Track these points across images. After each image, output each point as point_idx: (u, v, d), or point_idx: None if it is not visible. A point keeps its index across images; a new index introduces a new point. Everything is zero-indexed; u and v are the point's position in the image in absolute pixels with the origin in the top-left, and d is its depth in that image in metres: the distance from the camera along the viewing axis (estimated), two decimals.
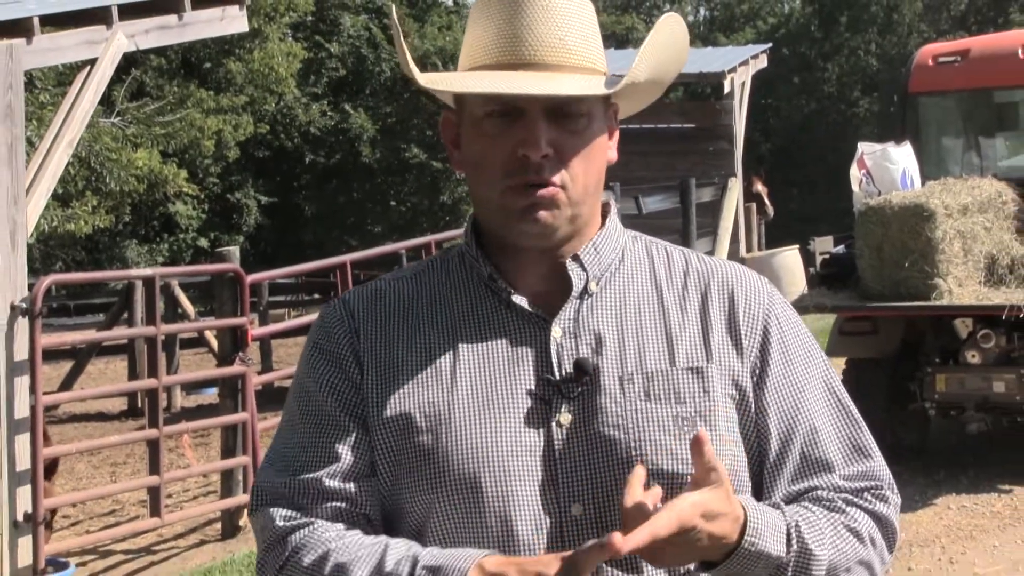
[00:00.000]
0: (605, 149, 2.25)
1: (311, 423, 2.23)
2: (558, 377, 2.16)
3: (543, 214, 2.15)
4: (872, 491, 2.26)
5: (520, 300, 2.21)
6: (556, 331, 2.19)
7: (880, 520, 2.25)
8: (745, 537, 2.04)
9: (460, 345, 2.21)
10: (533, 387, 2.16)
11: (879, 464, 2.30)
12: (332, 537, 2.12)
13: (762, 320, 2.28)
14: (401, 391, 2.19)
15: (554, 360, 2.17)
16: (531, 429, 2.14)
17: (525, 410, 2.15)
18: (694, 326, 2.25)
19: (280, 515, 2.17)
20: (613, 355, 2.19)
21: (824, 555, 2.14)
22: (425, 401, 2.17)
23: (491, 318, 2.23)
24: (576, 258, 2.23)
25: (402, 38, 2.22)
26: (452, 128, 2.29)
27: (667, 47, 2.26)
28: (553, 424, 2.14)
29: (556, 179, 2.14)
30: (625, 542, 1.87)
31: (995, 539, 9.52)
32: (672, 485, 2.10)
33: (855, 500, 2.23)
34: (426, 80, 2.18)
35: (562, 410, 2.15)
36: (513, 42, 2.17)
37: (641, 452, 2.12)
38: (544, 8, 2.17)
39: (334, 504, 2.16)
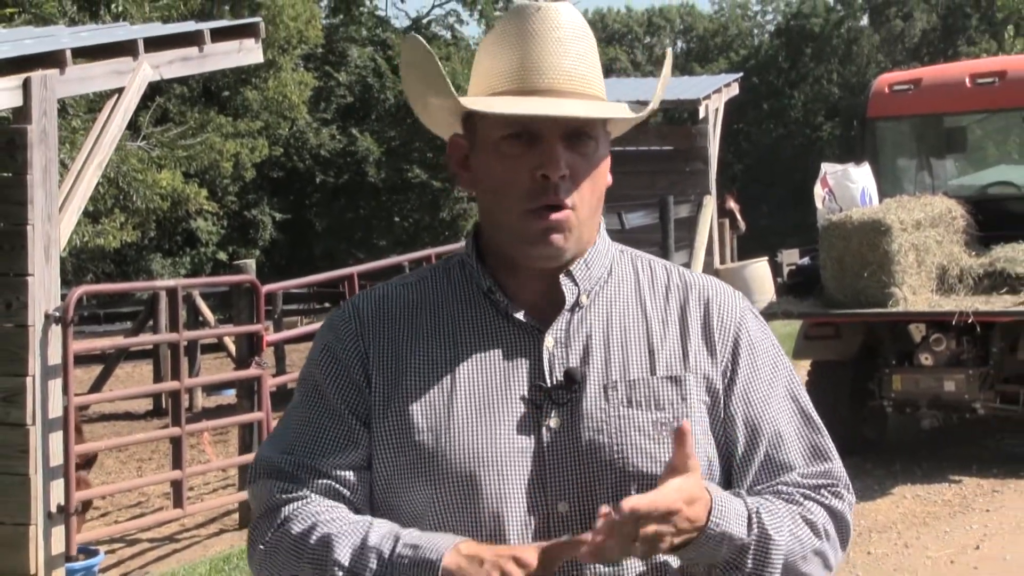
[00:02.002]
0: (607, 172, 2.24)
1: (315, 412, 2.23)
2: (549, 384, 2.16)
3: (556, 237, 2.15)
4: (829, 488, 2.27)
5: (516, 312, 2.20)
6: (548, 341, 2.19)
7: (835, 515, 2.25)
8: (711, 518, 2.04)
9: (460, 351, 2.20)
10: (526, 393, 2.16)
11: (837, 466, 2.30)
12: (321, 511, 2.12)
13: (734, 332, 2.28)
14: (404, 392, 2.18)
15: (546, 368, 2.17)
16: (523, 432, 2.14)
17: (518, 414, 2.15)
18: (674, 336, 2.25)
19: (277, 487, 2.18)
20: (599, 364, 2.18)
21: (782, 541, 2.14)
22: (426, 402, 2.16)
23: (489, 327, 2.22)
24: (568, 273, 2.22)
25: (439, 65, 2.18)
26: (461, 150, 2.27)
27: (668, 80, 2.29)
28: (543, 428, 2.14)
29: (569, 200, 2.14)
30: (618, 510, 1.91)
31: (946, 525, 9.53)
32: (651, 486, 2.09)
33: (812, 495, 2.24)
34: (468, 102, 2.16)
35: (552, 415, 2.14)
36: (530, 70, 2.16)
37: (623, 455, 2.13)
38: (557, 40, 2.17)
39: (328, 484, 2.16)
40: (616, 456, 2.13)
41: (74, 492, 7.93)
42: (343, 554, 2.07)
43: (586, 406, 2.15)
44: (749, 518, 2.11)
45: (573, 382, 2.15)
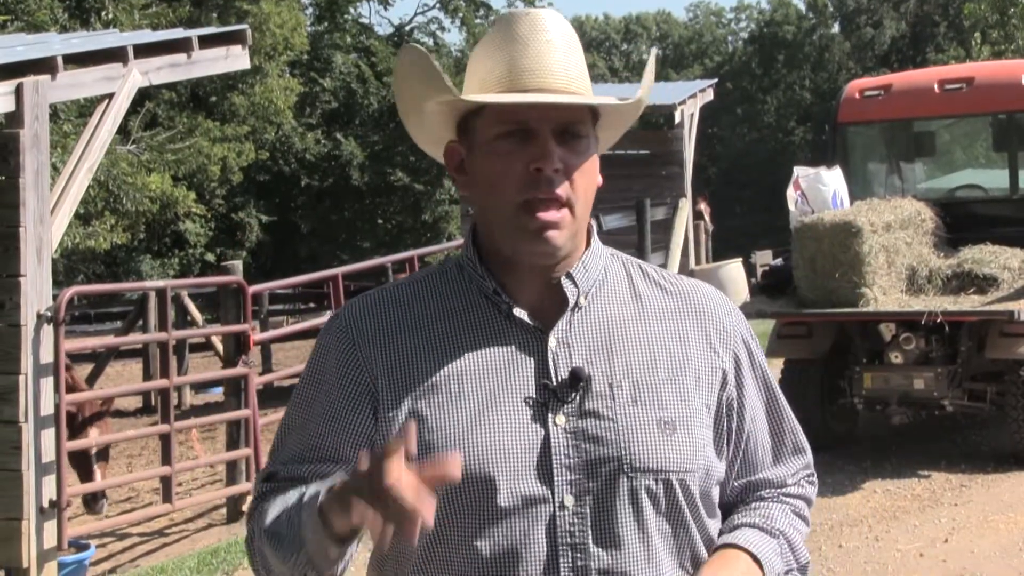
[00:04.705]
0: (597, 171, 2.26)
1: (303, 421, 2.25)
2: (555, 383, 2.16)
3: (552, 234, 2.15)
4: (807, 478, 2.44)
5: (520, 313, 2.20)
6: (552, 341, 2.19)
7: (809, 500, 2.44)
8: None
9: (465, 352, 2.19)
10: (532, 392, 2.16)
11: (810, 455, 2.46)
12: (288, 495, 2.14)
13: (734, 341, 2.32)
14: (411, 392, 2.17)
15: (551, 368, 2.17)
16: (530, 429, 2.14)
17: (526, 413, 2.14)
18: (674, 341, 2.26)
19: (261, 487, 2.22)
20: (603, 364, 2.19)
21: (799, 544, 2.36)
22: (435, 402, 2.15)
23: (493, 328, 2.21)
24: (569, 275, 2.22)
25: (437, 65, 2.20)
26: (456, 156, 2.27)
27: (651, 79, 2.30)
28: (550, 425, 2.14)
29: (562, 192, 2.15)
30: None
31: (915, 519, 9.56)
32: (656, 481, 2.15)
33: (795, 491, 2.41)
34: (468, 96, 2.18)
35: (558, 412, 2.15)
36: (520, 72, 2.18)
37: (630, 451, 2.14)
38: (546, 43, 2.19)
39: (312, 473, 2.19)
40: (623, 452, 2.14)
41: (65, 488, 7.94)
42: (271, 521, 2.11)
43: (593, 404, 2.16)
44: (780, 546, 2.31)
45: (579, 380, 2.16)
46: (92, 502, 8.93)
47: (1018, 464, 11.02)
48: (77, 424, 8.83)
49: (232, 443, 10.37)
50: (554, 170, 2.14)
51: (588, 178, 2.21)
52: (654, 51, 2.36)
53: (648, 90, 2.26)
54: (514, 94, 2.17)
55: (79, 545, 8.44)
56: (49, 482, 7.82)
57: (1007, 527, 9.24)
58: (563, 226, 2.16)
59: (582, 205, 2.19)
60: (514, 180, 2.15)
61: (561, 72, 2.19)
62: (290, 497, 2.11)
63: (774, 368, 11.97)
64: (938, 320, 10.60)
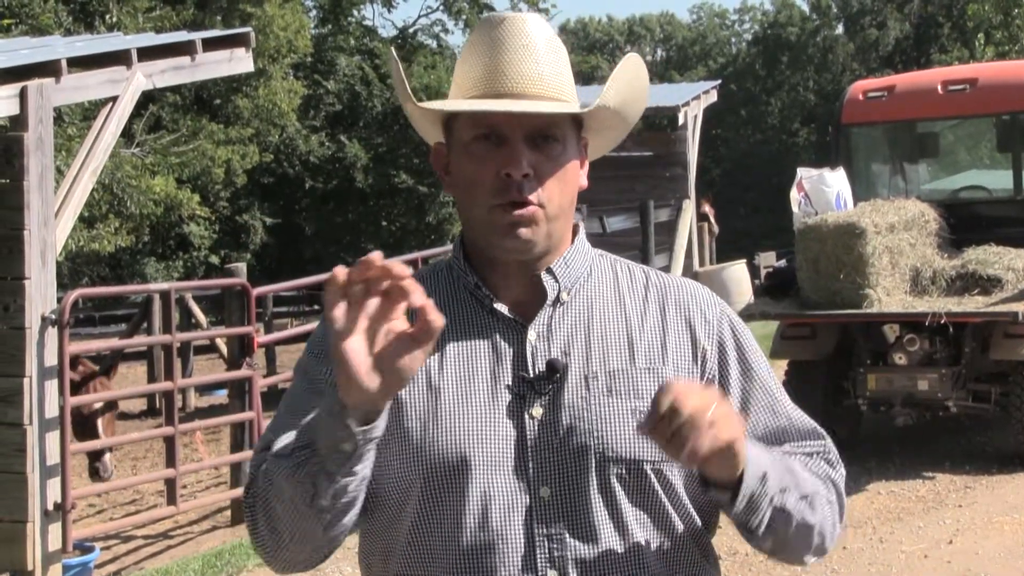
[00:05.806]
0: (577, 174, 2.27)
1: (300, 394, 2.25)
2: (532, 375, 2.18)
3: (523, 231, 2.17)
4: (822, 455, 2.38)
5: (501, 307, 2.23)
6: (531, 334, 2.22)
7: (827, 472, 2.38)
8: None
9: (446, 344, 2.22)
10: (510, 383, 2.18)
11: (827, 440, 2.40)
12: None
13: (717, 329, 2.31)
14: None
15: (529, 360, 2.20)
16: (507, 420, 2.16)
17: (503, 404, 2.17)
18: (653, 332, 2.27)
19: (259, 458, 2.18)
20: (580, 356, 2.21)
21: (811, 489, 2.27)
22: (415, 391, 2.18)
23: (475, 322, 2.24)
24: (550, 271, 2.25)
25: (402, 74, 2.26)
26: (443, 157, 2.31)
27: (632, 81, 2.30)
28: (526, 416, 2.16)
29: (534, 197, 2.17)
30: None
31: (920, 520, 9.56)
32: (629, 470, 2.16)
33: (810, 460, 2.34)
34: (422, 105, 2.21)
35: (535, 404, 2.17)
36: (497, 75, 2.21)
37: (603, 441, 2.16)
38: (524, 47, 2.21)
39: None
40: (596, 442, 2.16)
41: (70, 491, 7.95)
42: (278, 448, 2.12)
43: (567, 395, 2.18)
44: (774, 459, 2.19)
45: (555, 372, 2.18)
46: (96, 463, 9.00)
47: (1022, 465, 11.02)
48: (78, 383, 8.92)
49: (236, 445, 10.37)
50: (523, 175, 2.16)
51: (564, 182, 2.22)
52: (632, 55, 2.34)
53: (616, 94, 2.25)
54: (467, 101, 2.21)
55: (84, 547, 8.45)
56: (54, 484, 7.83)
57: (1012, 528, 9.24)
58: (535, 223, 2.18)
59: (555, 206, 2.21)
60: (487, 184, 2.18)
61: (535, 76, 2.21)
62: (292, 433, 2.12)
63: (778, 369, 12.01)
64: (942, 321, 10.60)
